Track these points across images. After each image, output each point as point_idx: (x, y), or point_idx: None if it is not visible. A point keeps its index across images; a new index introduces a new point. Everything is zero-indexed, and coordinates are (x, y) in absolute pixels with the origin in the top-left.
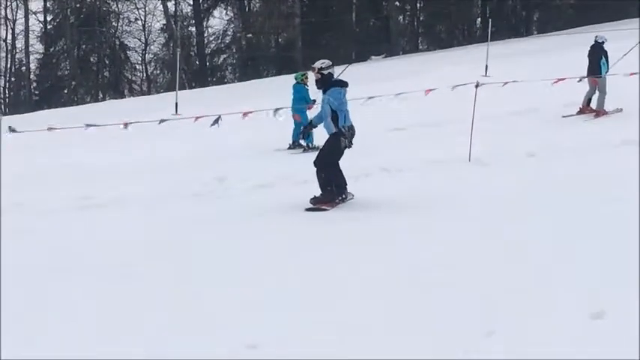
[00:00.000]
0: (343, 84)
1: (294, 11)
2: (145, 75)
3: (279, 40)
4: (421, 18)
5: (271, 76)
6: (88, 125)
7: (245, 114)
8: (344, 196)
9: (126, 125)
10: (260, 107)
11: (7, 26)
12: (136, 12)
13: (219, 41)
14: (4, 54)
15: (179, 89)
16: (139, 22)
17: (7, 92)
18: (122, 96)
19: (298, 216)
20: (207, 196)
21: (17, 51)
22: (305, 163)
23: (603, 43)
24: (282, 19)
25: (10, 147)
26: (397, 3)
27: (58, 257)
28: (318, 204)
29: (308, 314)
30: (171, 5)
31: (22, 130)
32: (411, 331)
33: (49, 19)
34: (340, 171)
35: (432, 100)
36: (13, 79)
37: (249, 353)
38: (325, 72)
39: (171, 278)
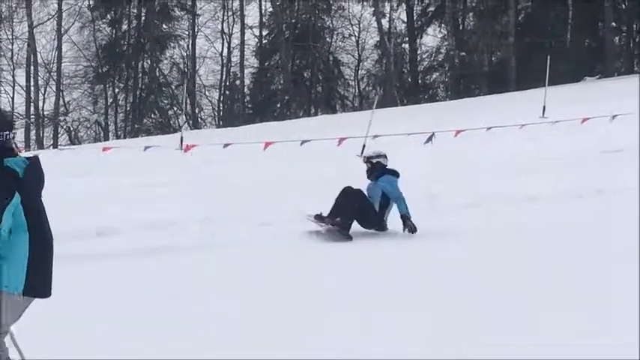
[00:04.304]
0: (396, 173)
1: (508, 30)
2: (357, 91)
3: (493, 58)
4: (637, 39)
5: (482, 94)
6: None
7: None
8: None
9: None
10: (474, 125)
11: (223, 40)
12: (350, 28)
13: (432, 59)
14: (219, 67)
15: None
16: (353, 38)
17: (221, 105)
18: (334, 111)
19: None
20: None
21: (232, 65)
22: None
23: None
24: (496, 38)
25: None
26: (613, 24)
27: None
28: (336, 226)
29: None
30: (385, 22)
31: None
32: None
33: (264, 33)
34: None
35: None
36: (227, 92)
37: None
38: (374, 160)
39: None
